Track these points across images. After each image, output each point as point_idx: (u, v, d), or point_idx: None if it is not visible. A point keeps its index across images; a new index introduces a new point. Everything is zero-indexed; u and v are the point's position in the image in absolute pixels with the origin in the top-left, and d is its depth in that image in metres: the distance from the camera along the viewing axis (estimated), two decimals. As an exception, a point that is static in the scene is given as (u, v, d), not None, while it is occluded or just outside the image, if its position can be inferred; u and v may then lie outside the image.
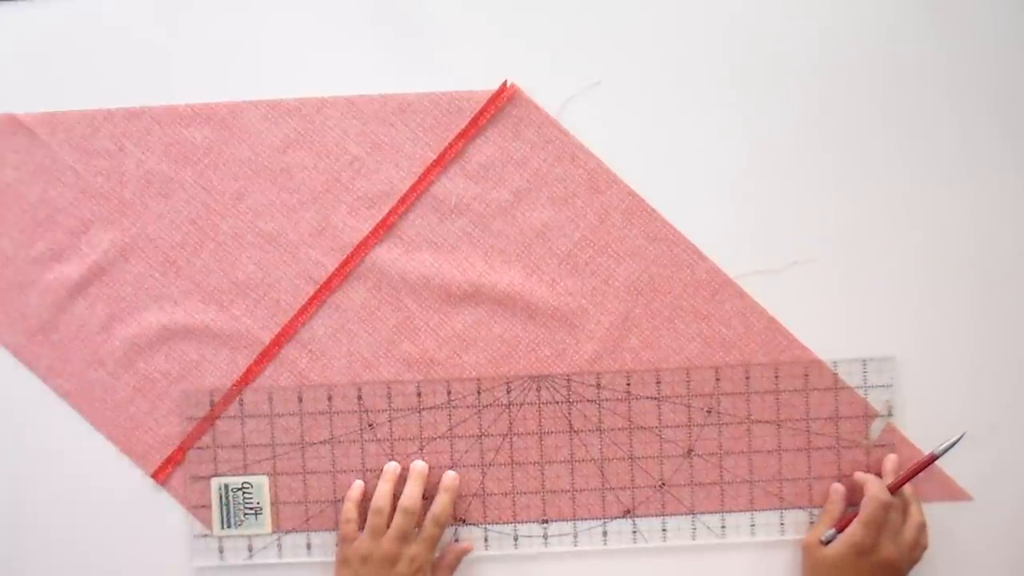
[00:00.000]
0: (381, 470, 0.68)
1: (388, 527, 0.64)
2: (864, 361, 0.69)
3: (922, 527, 0.65)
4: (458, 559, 0.67)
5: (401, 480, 0.67)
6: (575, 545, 0.69)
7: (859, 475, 0.67)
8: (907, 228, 0.69)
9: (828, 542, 0.65)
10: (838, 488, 0.67)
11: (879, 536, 0.63)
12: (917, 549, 0.65)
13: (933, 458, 0.66)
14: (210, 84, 0.68)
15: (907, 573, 0.65)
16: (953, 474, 0.69)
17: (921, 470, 0.65)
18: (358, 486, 0.67)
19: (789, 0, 0.68)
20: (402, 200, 0.68)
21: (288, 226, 0.69)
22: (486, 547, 0.69)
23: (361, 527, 0.65)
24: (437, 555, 0.66)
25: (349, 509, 0.66)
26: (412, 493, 0.65)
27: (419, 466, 0.67)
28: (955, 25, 0.68)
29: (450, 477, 0.67)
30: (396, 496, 0.66)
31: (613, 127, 0.68)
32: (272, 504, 0.68)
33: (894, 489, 0.65)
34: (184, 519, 0.69)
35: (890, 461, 0.67)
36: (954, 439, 0.65)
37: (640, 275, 0.69)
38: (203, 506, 0.69)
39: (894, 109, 0.68)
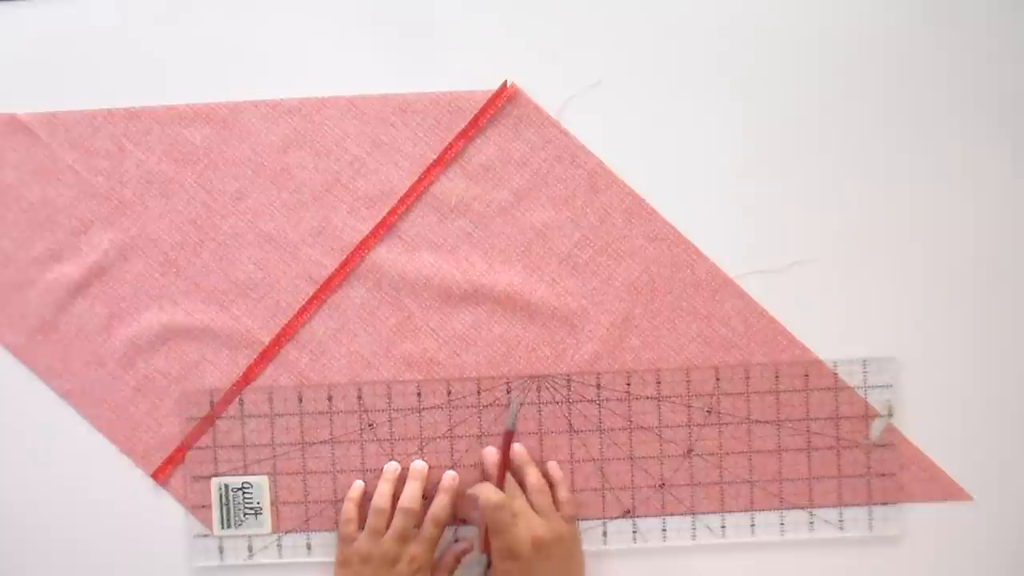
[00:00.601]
0: (381, 470, 0.68)
1: (388, 527, 0.64)
2: (864, 361, 0.69)
3: (541, 489, 0.64)
4: (458, 559, 0.67)
5: (401, 480, 0.67)
6: (575, 545, 0.69)
7: (471, 490, 0.64)
8: (907, 228, 0.69)
9: (489, 566, 0.64)
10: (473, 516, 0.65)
11: (513, 530, 0.61)
12: (559, 507, 0.64)
13: (510, 434, 0.65)
14: (210, 84, 0.68)
15: (570, 531, 0.64)
16: (953, 474, 0.69)
17: (507, 449, 0.65)
18: (358, 486, 0.67)
19: (789, 0, 0.68)
20: (402, 200, 0.68)
21: (288, 226, 0.69)
22: (486, 547, 0.69)
23: (361, 527, 0.65)
24: (438, 555, 0.66)
25: (349, 509, 0.66)
26: (411, 493, 0.65)
27: (419, 466, 0.67)
28: (955, 25, 0.68)
29: (450, 477, 0.67)
30: (396, 496, 0.66)
31: (613, 127, 0.68)
32: (272, 504, 0.68)
33: (500, 483, 0.64)
34: (184, 519, 0.69)
35: (489, 455, 0.66)
36: (514, 408, 0.65)
37: (640, 275, 0.69)
38: (203, 506, 0.69)
39: (894, 109, 0.68)
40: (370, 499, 0.66)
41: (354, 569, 0.64)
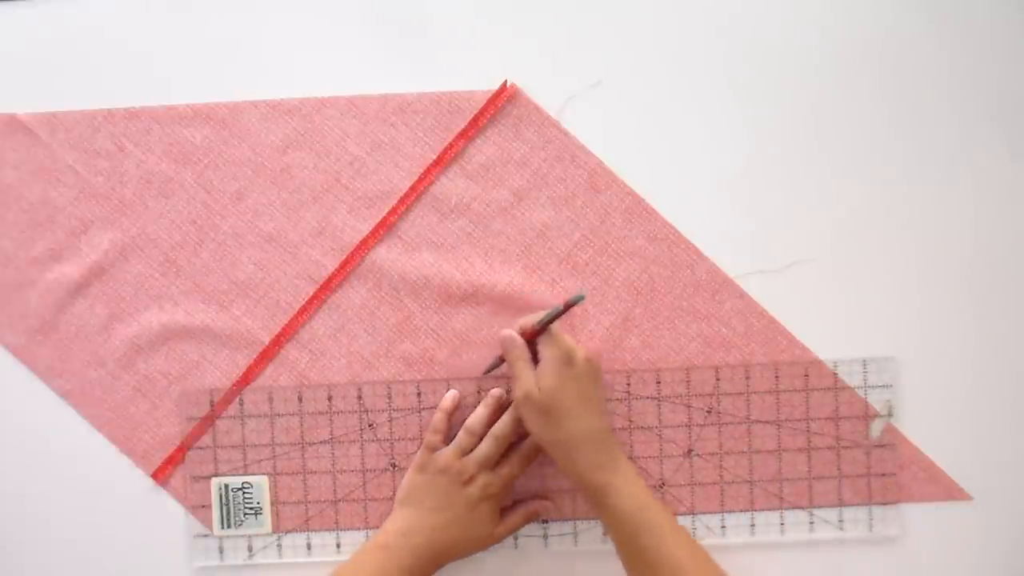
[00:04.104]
0: (381, 470, 0.68)
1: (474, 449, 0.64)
2: (864, 361, 0.69)
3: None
4: (532, 515, 0.67)
5: (499, 409, 0.66)
6: (575, 545, 0.69)
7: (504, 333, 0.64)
8: (907, 228, 0.69)
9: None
10: (515, 338, 0.63)
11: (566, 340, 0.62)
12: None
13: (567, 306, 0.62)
14: (210, 84, 0.68)
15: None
16: (953, 474, 0.69)
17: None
18: (452, 395, 0.67)
19: (789, 1, 0.68)
20: (402, 200, 0.68)
21: (288, 226, 0.69)
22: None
23: (446, 441, 0.65)
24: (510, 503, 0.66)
25: (440, 419, 0.65)
26: (507, 422, 0.65)
27: None
28: (955, 25, 0.68)
29: None
30: (490, 424, 0.65)
31: (613, 127, 0.68)
32: (272, 504, 0.68)
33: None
34: (184, 519, 0.69)
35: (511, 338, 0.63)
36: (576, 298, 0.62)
37: (640, 275, 0.69)
38: (203, 506, 0.69)
39: (894, 109, 0.68)
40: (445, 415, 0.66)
41: (429, 475, 0.64)
